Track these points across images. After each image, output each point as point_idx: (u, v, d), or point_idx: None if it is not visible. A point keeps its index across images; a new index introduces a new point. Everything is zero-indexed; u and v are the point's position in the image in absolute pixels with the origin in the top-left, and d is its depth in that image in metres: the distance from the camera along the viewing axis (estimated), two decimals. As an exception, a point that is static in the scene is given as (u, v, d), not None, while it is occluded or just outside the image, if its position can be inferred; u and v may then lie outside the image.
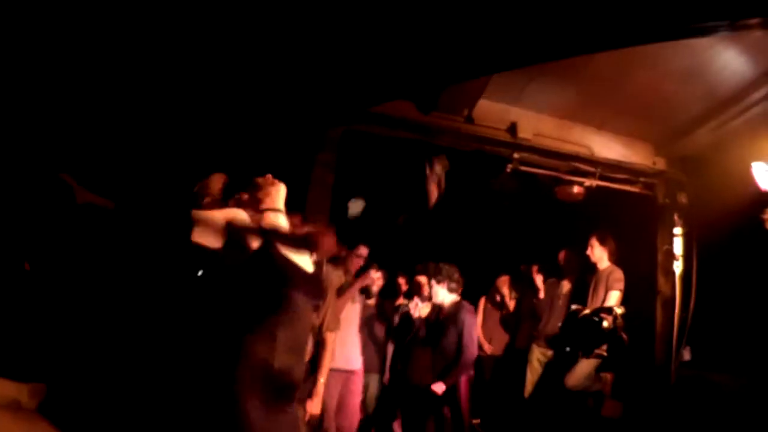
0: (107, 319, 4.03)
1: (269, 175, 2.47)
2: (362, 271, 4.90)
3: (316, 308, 2.15)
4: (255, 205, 2.41)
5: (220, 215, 2.37)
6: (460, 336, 4.72)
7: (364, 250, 4.98)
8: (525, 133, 5.07)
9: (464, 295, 5.06)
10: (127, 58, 4.06)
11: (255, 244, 2.27)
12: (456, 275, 4.90)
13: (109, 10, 3.68)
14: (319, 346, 3.94)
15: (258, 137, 4.65)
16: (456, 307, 4.84)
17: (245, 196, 2.49)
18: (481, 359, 6.26)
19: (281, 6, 3.87)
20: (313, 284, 2.31)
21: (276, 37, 4.11)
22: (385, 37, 4.14)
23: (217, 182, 2.70)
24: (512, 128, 5.06)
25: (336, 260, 4.33)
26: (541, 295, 6.08)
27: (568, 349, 5.07)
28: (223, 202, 2.54)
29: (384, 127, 4.95)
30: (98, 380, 3.93)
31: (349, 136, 4.95)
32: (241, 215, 2.40)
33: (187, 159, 4.12)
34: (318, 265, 2.35)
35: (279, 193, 2.41)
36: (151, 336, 3.32)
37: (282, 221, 2.34)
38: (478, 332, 6.25)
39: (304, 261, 2.28)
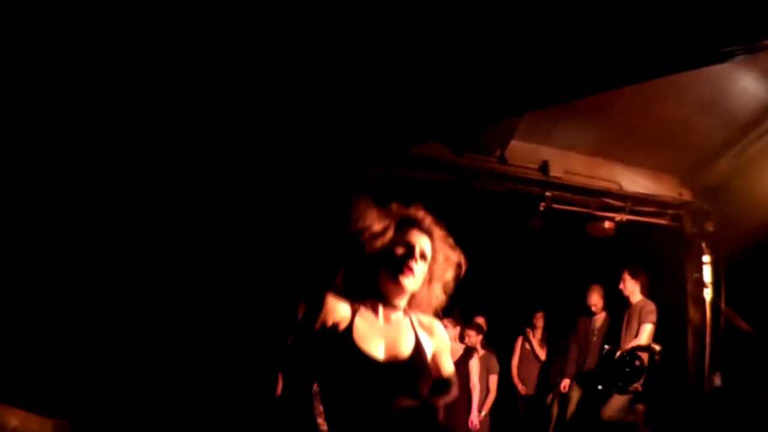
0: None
1: None
2: None
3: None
4: None
5: None
6: None
7: None
8: (556, 171, 5.22)
9: (501, 336, 5.04)
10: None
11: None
12: None
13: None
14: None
15: (294, 181, 4.74)
16: None
17: None
18: (516, 399, 6.20)
19: (316, 48, 3.95)
20: None
21: (310, 80, 4.18)
22: (419, 79, 4.29)
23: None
24: (544, 167, 5.21)
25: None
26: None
27: (600, 387, 5.08)
28: None
29: (419, 170, 5.04)
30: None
31: (384, 179, 5.03)
32: None
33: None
34: None
35: None
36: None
37: None
38: (513, 372, 6.23)
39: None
